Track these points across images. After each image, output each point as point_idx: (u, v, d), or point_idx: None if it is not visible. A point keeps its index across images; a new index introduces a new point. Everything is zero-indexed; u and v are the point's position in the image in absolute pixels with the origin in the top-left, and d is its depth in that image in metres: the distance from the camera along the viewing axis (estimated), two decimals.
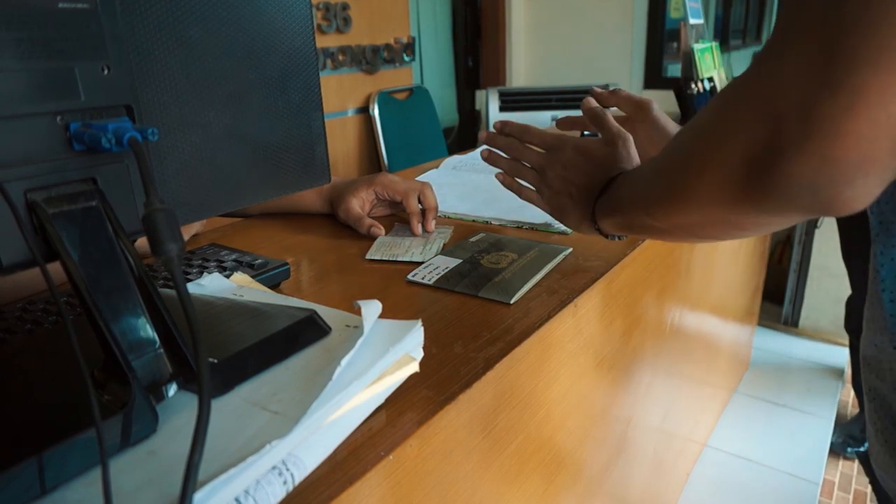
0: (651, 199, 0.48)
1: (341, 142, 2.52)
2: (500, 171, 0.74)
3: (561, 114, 2.55)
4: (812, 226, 2.26)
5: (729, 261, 1.48)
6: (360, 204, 0.88)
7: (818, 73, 0.31)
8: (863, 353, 0.51)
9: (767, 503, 1.57)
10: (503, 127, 0.73)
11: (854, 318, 1.75)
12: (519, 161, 0.71)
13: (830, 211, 0.34)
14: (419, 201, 0.87)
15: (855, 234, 1.67)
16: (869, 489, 1.60)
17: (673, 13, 2.95)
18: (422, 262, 0.74)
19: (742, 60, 3.40)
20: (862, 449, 1.78)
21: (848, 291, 1.76)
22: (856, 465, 1.68)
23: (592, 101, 0.72)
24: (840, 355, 2.19)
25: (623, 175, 0.58)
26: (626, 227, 0.57)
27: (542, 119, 2.58)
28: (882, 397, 0.49)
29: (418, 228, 0.84)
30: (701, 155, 0.39)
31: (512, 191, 0.73)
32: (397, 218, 0.92)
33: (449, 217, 0.94)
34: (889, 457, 0.49)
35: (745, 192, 0.36)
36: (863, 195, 0.33)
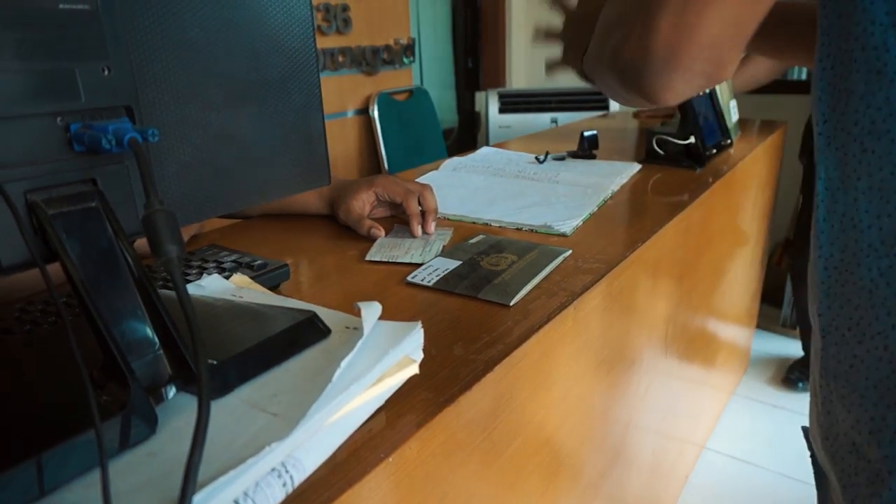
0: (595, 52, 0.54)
1: (341, 143, 2.52)
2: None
3: (561, 116, 2.57)
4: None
5: (728, 263, 1.48)
6: (360, 205, 0.88)
7: None
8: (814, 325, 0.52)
9: None
10: None
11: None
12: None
13: (649, 96, 0.43)
14: (419, 203, 0.87)
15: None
16: None
17: None
18: (421, 264, 0.74)
19: None
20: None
21: None
22: None
23: None
24: None
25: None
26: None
27: (542, 121, 2.59)
28: (813, 369, 0.50)
29: (418, 230, 0.84)
30: (607, 31, 0.48)
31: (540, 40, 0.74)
32: (397, 219, 0.92)
33: (448, 219, 0.94)
34: (815, 425, 0.50)
35: (613, 62, 0.45)
36: (672, 89, 0.42)
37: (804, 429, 0.63)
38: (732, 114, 1.55)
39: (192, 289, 0.59)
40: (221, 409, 0.41)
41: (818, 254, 0.45)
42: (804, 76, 2.57)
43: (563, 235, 0.85)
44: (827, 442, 0.47)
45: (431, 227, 0.86)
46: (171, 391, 0.42)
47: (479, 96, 3.24)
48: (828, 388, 0.46)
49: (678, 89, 0.42)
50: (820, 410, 0.48)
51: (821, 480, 0.56)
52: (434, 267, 0.72)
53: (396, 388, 0.46)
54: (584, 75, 0.60)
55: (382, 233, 0.85)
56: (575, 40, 0.63)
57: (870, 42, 0.38)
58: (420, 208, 0.87)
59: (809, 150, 1.87)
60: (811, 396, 0.53)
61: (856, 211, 0.42)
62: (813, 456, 0.59)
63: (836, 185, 0.43)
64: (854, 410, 0.43)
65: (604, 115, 2.35)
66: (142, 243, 0.41)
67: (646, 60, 0.41)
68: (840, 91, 0.41)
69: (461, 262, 0.73)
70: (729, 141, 1.46)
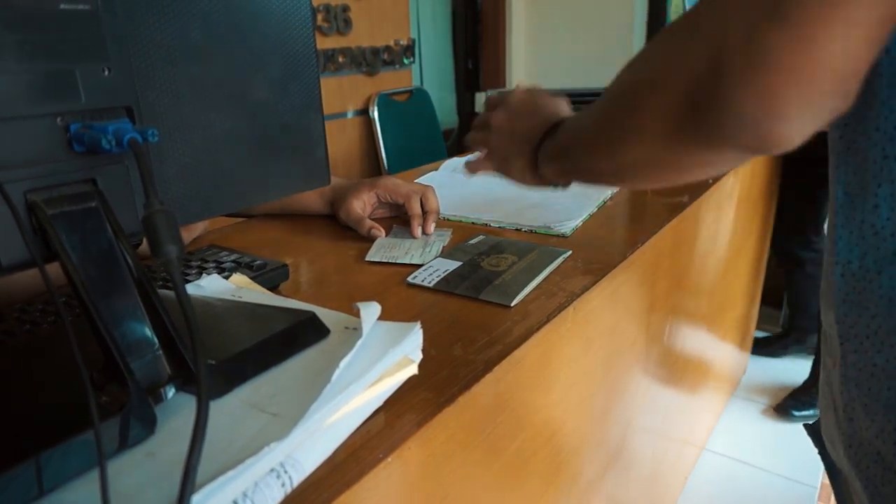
0: (594, 137, 0.48)
1: (341, 143, 2.52)
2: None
3: None
4: None
5: (728, 265, 1.48)
6: (361, 206, 0.88)
7: (765, 3, 0.31)
8: (824, 330, 0.51)
9: None
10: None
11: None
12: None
13: (764, 146, 0.34)
14: (421, 204, 0.88)
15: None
16: None
17: (673, 16, 2.96)
18: (421, 265, 0.74)
19: None
20: (808, 412, 1.89)
21: None
22: None
23: None
24: None
25: (567, 119, 0.57)
26: (569, 171, 0.56)
27: None
28: (828, 374, 0.49)
29: (418, 231, 0.85)
30: (645, 85, 0.39)
31: (469, 171, 0.71)
32: (396, 220, 0.92)
33: (448, 219, 0.94)
34: (836, 432, 0.49)
35: (684, 123, 0.36)
36: (797, 133, 0.33)
37: (806, 427, 0.63)
38: None
39: (192, 289, 0.59)
40: (220, 409, 0.41)
41: (835, 260, 0.44)
42: None
43: (563, 236, 0.85)
44: (850, 450, 0.46)
45: (431, 227, 0.86)
46: (171, 391, 0.42)
47: (479, 97, 3.24)
48: (849, 396, 0.45)
49: (807, 133, 0.33)
50: (841, 417, 0.47)
51: (834, 475, 0.56)
52: (434, 268, 0.72)
53: (396, 388, 0.46)
54: (545, 173, 0.58)
55: (383, 233, 0.85)
56: (514, 150, 0.61)
57: (894, 47, 0.36)
58: (423, 214, 0.88)
59: (803, 154, 1.88)
60: (822, 399, 0.52)
61: (876, 218, 0.40)
62: (821, 453, 0.58)
63: (855, 190, 0.42)
64: (878, 420, 0.42)
65: None
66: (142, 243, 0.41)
67: (766, 104, 0.32)
68: (861, 96, 0.36)
69: (461, 263, 0.73)
70: None
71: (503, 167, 0.63)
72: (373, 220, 0.88)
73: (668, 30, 0.39)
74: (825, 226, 0.47)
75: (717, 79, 0.33)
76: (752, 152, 0.35)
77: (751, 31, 0.31)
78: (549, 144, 0.57)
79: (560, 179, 0.59)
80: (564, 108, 0.60)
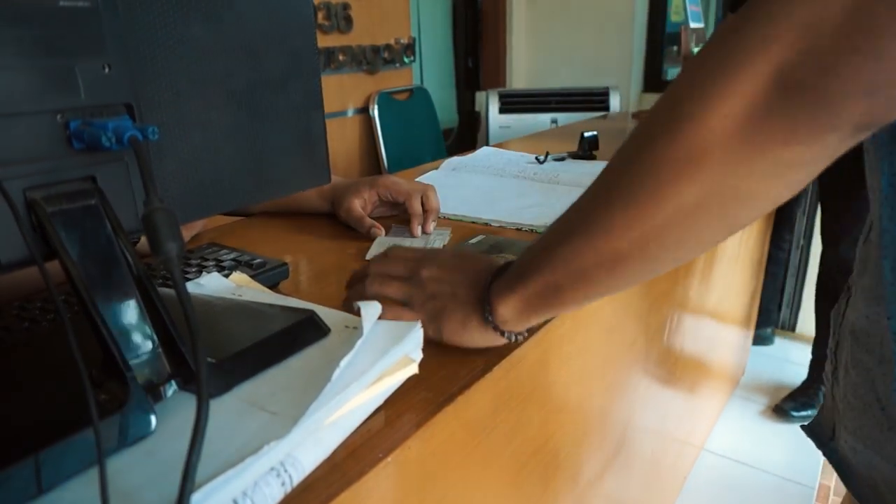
0: (604, 213, 0.39)
1: (341, 142, 2.52)
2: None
3: (561, 116, 2.56)
4: (809, 230, 2.26)
5: (727, 265, 1.48)
6: (361, 204, 0.88)
7: None
8: (853, 325, 0.49)
9: None
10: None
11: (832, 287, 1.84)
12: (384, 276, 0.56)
13: (887, 115, 0.29)
14: (422, 202, 0.87)
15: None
16: None
17: (674, 17, 2.96)
18: None
19: None
20: (806, 413, 1.89)
21: None
22: None
23: None
24: None
25: (524, 249, 0.49)
26: (543, 294, 0.46)
27: (541, 121, 2.59)
28: (868, 371, 0.47)
29: (417, 230, 0.84)
30: (700, 95, 0.32)
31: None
32: (395, 219, 0.92)
33: (448, 218, 0.94)
34: (876, 430, 0.47)
35: (773, 109, 0.30)
36: None
37: (804, 427, 0.62)
38: None
39: (192, 287, 0.59)
40: (220, 407, 0.41)
41: (883, 254, 0.42)
42: None
43: None
44: None
45: (431, 226, 0.86)
46: (170, 390, 0.42)
47: (480, 96, 3.23)
48: None
49: None
50: (893, 415, 0.44)
51: (844, 469, 0.54)
52: None
53: (396, 387, 0.46)
54: (502, 314, 0.49)
55: (382, 232, 0.85)
56: (453, 298, 0.52)
57: None
58: (423, 213, 0.87)
59: None
60: (853, 399, 0.49)
61: None
62: (824, 451, 0.57)
63: None
64: None
65: (604, 116, 2.35)
66: (141, 242, 0.41)
67: (885, 67, 0.27)
68: None
69: None
70: None
71: (434, 320, 0.52)
72: (373, 218, 0.88)
73: (712, 41, 0.34)
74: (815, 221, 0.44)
75: (820, 50, 0.28)
76: (859, 130, 0.30)
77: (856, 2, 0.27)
78: (509, 276, 0.48)
79: (527, 313, 0.48)
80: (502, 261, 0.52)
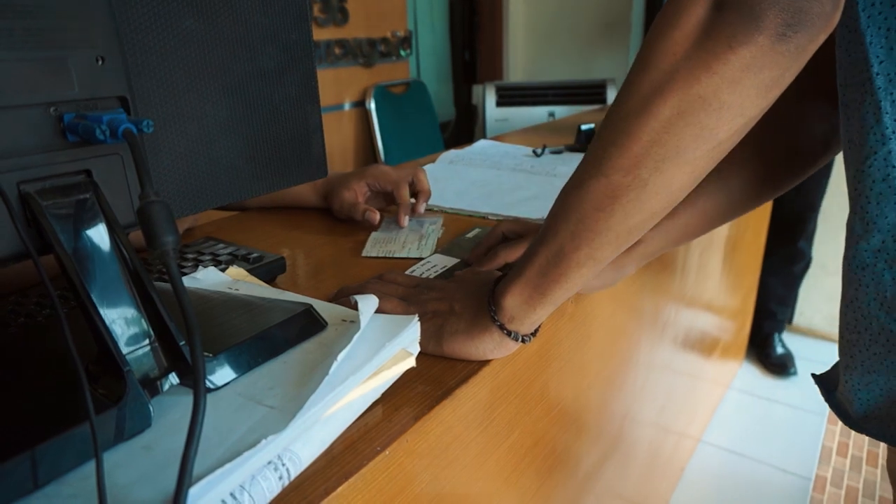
0: (599, 152, 0.43)
1: (338, 136, 2.51)
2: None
3: (559, 109, 2.56)
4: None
5: (725, 258, 1.49)
6: (352, 196, 0.88)
7: None
8: (892, 293, 0.48)
9: (760, 498, 1.58)
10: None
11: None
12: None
13: (798, 21, 0.36)
14: (412, 185, 0.87)
15: None
16: (861, 484, 1.61)
17: None
18: (418, 258, 0.74)
19: None
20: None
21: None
22: (848, 461, 1.69)
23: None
24: (833, 352, 2.20)
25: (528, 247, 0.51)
26: (546, 270, 0.47)
27: (538, 114, 2.58)
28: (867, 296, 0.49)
29: (404, 221, 0.84)
30: (660, 33, 0.40)
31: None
32: (387, 213, 0.92)
33: (445, 211, 0.94)
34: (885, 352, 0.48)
35: (711, 29, 0.38)
36: (827, 10, 0.36)
37: (814, 376, 0.62)
38: None
39: (188, 281, 0.58)
40: (217, 401, 0.41)
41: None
42: None
43: None
44: None
45: (422, 207, 0.86)
46: (167, 384, 0.41)
47: (477, 89, 3.23)
48: None
49: (833, 13, 0.38)
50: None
51: (851, 418, 0.54)
52: (432, 263, 0.72)
53: (393, 381, 0.46)
54: (507, 305, 0.50)
55: (377, 216, 0.84)
56: (460, 299, 0.54)
57: None
58: (415, 195, 0.87)
59: None
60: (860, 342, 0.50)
61: None
62: (828, 400, 0.58)
63: None
64: None
65: (601, 109, 2.35)
66: (137, 235, 0.40)
67: None
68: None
69: (460, 260, 0.73)
70: None
71: (434, 335, 0.52)
72: None
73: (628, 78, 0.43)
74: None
75: None
76: (783, 34, 0.37)
77: None
78: (513, 273, 0.50)
79: (528, 306, 0.49)
80: None
